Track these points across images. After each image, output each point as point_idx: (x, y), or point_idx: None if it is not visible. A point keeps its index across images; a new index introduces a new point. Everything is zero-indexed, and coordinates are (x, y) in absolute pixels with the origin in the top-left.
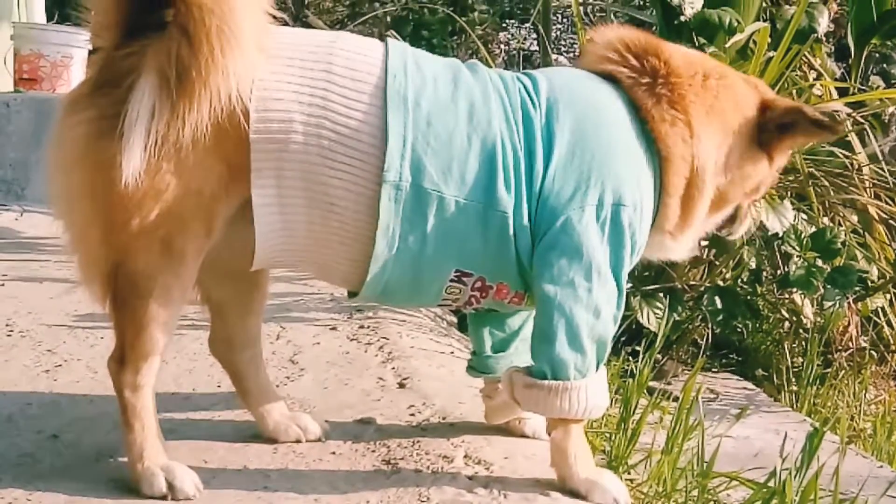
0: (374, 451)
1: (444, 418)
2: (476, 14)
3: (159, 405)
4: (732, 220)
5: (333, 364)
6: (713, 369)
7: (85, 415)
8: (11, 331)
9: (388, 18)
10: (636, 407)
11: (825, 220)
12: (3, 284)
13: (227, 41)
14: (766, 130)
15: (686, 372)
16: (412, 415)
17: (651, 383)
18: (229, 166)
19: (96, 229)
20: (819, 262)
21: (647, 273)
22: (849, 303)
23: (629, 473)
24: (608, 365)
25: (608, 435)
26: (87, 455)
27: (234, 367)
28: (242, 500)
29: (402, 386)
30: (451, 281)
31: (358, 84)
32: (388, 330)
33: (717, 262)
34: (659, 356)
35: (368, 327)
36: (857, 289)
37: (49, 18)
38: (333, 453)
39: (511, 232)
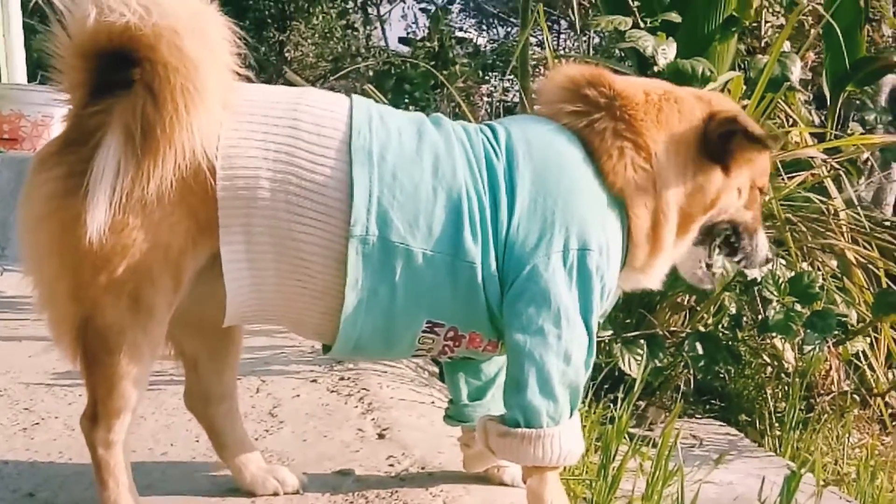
0: (352, 503)
1: (423, 468)
2: (457, 67)
3: (137, 461)
4: (734, 249)
5: (313, 416)
6: (696, 415)
7: (61, 472)
8: None
9: (371, 72)
10: (615, 454)
11: (804, 265)
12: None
13: (192, 99)
14: (710, 141)
15: (667, 418)
16: (391, 465)
17: (633, 430)
18: (197, 221)
19: (64, 285)
20: (798, 307)
21: (628, 320)
22: (829, 347)
23: None
24: (589, 412)
25: (589, 482)
26: None
27: (210, 421)
28: None
29: (381, 437)
30: (424, 332)
31: (324, 139)
32: (368, 381)
33: (699, 308)
34: (641, 403)
35: (349, 379)
36: (836, 333)
37: (31, 79)
38: None
39: (479, 281)
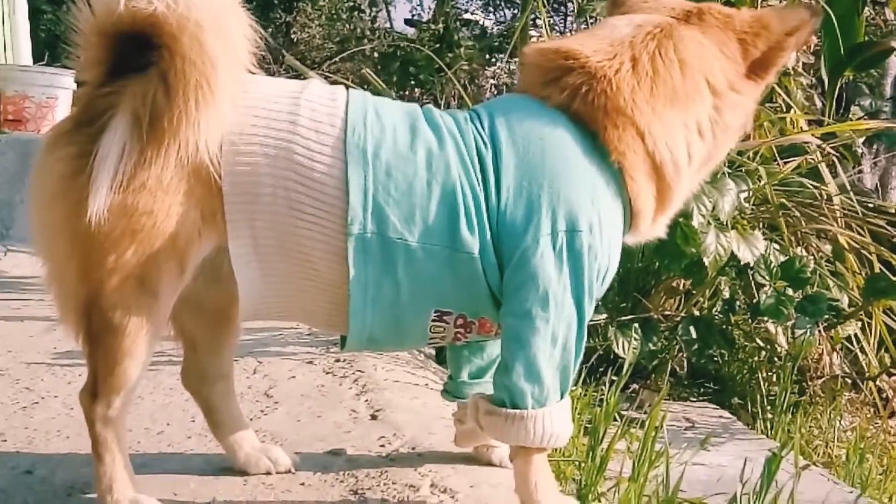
0: (342, 482)
1: (413, 448)
2: (462, 50)
3: (134, 439)
4: None
5: (307, 397)
6: (691, 398)
7: (59, 451)
8: None
9: (376, 55)
10: (604, 435)
11: (798, 250)
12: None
13: (204, 96)
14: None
15: (663, 401)
16: (382, 446)
17: (626, 412)
18: (202, 213)
19: (73, 264)
20: (790, 291)
21: (623, 304)
22: (820, 331)
23: (599, 502)
24: (580, 394)
25: (578, 463)
26: (59, 490)
27: (206, 400)
28: None
29: (374, 418)
30: (433, 321)
31: (320, 136)
32: (363, 363)
33: (694, 292)
34: (635, 385)
35: (344, 360)
36: (829, 317)
37: (37, 60)
38: (303, 484)
39: (480, 270)
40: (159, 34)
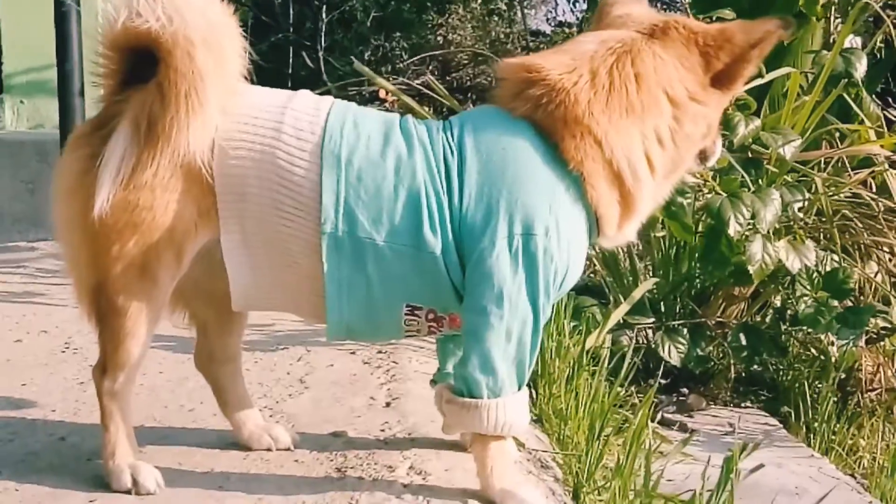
0: (331, 461)
1: (409, 434)
2: None
3: (166, 415)
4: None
5: (336, 384)
6: (744, 405)
7: (98, 422)
8: (67, 347)
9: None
10: (601, 431)
11: (863, 263)
12: (76, 307)
13: (193, 105)
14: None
15: (711, 406)
16: (382, 430)
17: (672, 416)
18: (198, 209)
19: (84, 253)
20: (835, 303)
21: (679, 309)
22: (867, 343)
23: (598, 494)
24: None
25: (578, 457)
26: (83, 455)
27: (215, 380)
28: (196, 498)
29: (388, 405)
30: (406, 315)
31: (301, 143)
32: (400, 355)
33: (752, 301)
34: (686, 390)
35: (385, 352)
36: (885, 329)
37: None
38: (297, 461)
39: (443, 268)
40: (158, 49)
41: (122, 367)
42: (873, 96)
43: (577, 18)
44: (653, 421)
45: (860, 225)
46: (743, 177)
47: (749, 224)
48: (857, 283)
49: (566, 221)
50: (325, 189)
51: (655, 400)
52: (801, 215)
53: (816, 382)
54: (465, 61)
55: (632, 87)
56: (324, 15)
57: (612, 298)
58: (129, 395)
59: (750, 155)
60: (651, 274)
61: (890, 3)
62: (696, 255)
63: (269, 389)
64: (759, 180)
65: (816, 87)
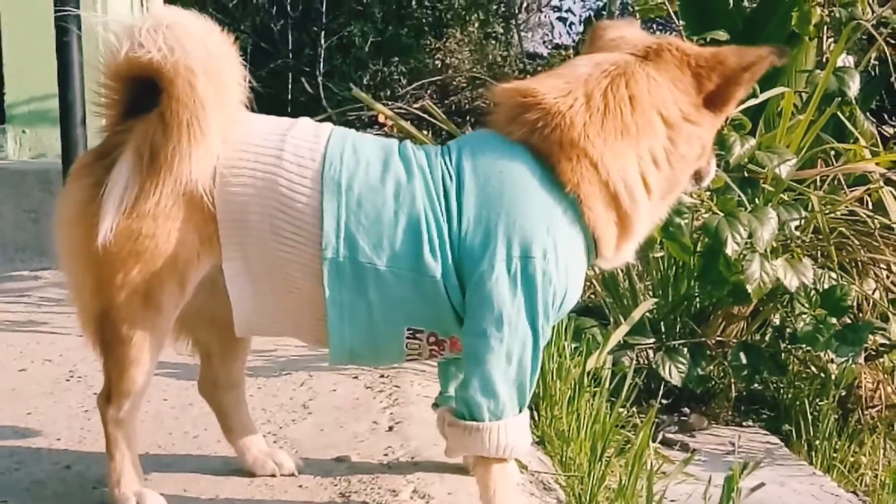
0: (335, 486)
1: (412, 458)
2: None
3: (171, 442)
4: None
5: (339, 409)
6: (745, 424)
7: (102, 450)
8: (71, 375)
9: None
10: (603, 452)
11: (860, 280)
12: (80, 335)
13: (194, 134)
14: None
15: (713, 425)
16: (385, 454)
17: (673, 436)
18: (200, 237)
19: (88, 282)
20: (833, 320)
21: (679, 329)
22: (866, 360)
23: None
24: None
25: (580, 478)
26: (88, 483)
27: (219, 406)
28: None
29: (390, 429)
30: (408, 338)
31: (302, 170)
32: (402, 379)
33: (752, 319)
34: (687, 409)
35: (387, 377)
36: (883, 346)
37: None
38: (300, 486)
39: (443, 291)
40: (160, 79)
41: (126, 394)
42: (867, 114)
43: (574, 41)
44: (654, 441)
45: (857, 242)
46: (739, 196)
47: (747, 243)
48: (854, 300)
49: (564, 244)
50: (326, 215)
51: (657, 420)
52: (797, 234)
53: (817, 400)
54: (463, 85)
55: (626, 109)
56: (322, 41)
57: (612, 319)
58: (134, 423)
59: (746, 174)
60: (650, 294)
61: (882, 21)
62: (695, 274)
63: (273, 415)
64: (756, 199)
65: (811, 106)
